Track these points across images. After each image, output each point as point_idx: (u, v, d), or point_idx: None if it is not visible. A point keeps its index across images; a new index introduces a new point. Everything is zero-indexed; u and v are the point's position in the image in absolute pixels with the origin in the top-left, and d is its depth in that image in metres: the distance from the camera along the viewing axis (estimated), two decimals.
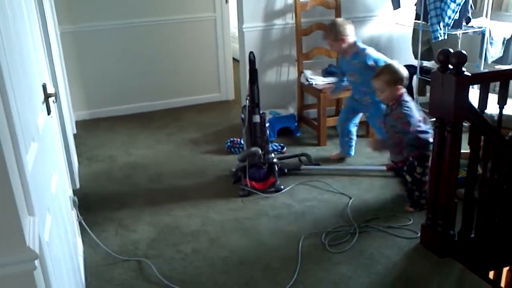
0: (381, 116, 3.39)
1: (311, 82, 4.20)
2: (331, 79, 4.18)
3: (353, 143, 3.92)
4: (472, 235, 2.67)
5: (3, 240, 1.10)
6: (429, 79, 2.63)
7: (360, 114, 3.88)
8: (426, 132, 2.98)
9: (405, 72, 3.04)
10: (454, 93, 2.33)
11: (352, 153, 3.93)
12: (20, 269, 1.13)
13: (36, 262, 1.15)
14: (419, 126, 2.97)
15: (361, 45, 3.62)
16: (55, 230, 1.63)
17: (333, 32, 3.57)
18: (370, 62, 3.53)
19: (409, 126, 2.94)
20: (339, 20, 3.73)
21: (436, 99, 2.47)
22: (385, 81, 3.01)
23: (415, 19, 4.45)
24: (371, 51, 3.59)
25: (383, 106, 3.44)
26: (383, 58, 3.57)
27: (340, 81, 3.94)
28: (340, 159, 3.91)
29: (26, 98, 1.49)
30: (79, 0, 4.73)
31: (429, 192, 2.68)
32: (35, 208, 1.27)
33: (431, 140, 2.83)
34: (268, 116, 4.04)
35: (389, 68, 3.08)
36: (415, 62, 4.51)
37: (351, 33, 3.58)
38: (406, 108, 2.96)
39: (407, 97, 3.03)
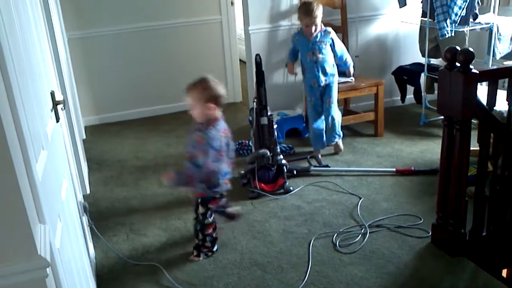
0: (331, 96, 3.80)
1: None
2: (339, 79, 4.17)
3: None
4: (484, 234, 2.65)
5: (14, 248, 1.11)
6: (437, 77, 2.62)
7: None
8: (219, 174, 2.59)
9: (221, 90, 2.58)
10: (462, 91, 2.32)
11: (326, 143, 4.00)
12: (32, 277, 1.13)
13: (48, 269, 1.16)
14: (213, 165, 2.53)
15: (323, 27, 3.79)
16: (66, 237, 1.64)
17: (312, 13, 3.65)
18: (336, 46, 3.82)
19: (204, 157, 2.49)
20: (312, 1, 3.76)
21: (444, 97, 2.46)
22: (197, 97, 2.54)
23: (422, 17, 4.43)
24: (334, 36, 3.82)
25: (334, 87, 3.82)
26: (345, 52, 3.91)
27: (292, 54, 4.01)
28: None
29: (35, 106, 1.51)
30: (86, 6, 4.77)
31: (439, 190, 2.66)
32: (46, 215, 1.27)
33: (222, 187, 2.62)
34: (276, 118, 4.05)
35: (202, 83, 2.58)
36: (422, 60, 4.50)
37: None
38: (211, 136, 2.53)
39: (221, 126, 2.60)
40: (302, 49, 3.82)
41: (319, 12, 3.67)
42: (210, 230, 2.73)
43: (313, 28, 3.69)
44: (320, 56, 3.75)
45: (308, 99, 3.97)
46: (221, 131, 2.59)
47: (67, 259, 1.57)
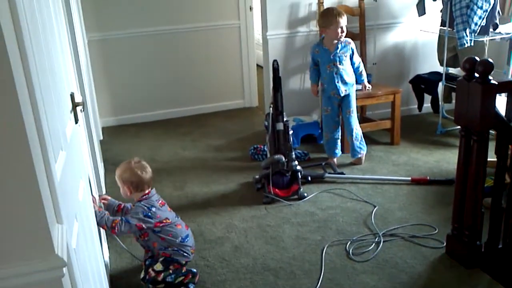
0: (351, 106, 3.82)
1: None
2: (356, 86, 4.17)
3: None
4: (500, 246, 2.62)
5: (33, 247, 1.13)
6: (455, 86, 2.60)
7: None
8: (176, 240, 2.52)
9: (140, 176, 2.51)
10: (480, 101, 2.30)
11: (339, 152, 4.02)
12: (49, 276, 1.15)
13: (64, 269, 1.17)
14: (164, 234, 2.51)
15: (344, 38, 3.75)
16: (82, 237, 1.66)
17: (336, 19, 3.62)
18: (354, 56, 3.83)
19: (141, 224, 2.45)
20: (338, 8, 3.73)
21: (461, 108, 2.44)
22: (117, 175, 2.60)
23: (441, 26, 4.41)
24: (354, 47, 3.83)
25: (353, 97, 3.85)
26: (361, 65, 3.92)
27: (314, 74, 3.93)
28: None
29: (55, 107, 1.53)
30: (106, 8, 4.83)
31: (454, 201, 2.64)
32: (63, 215, 1.29)
33: (187, 255, 2.54)
34: (291, 123, 4.05)
35: (125, 164, 2.59)
36: (440, 69, 4.47)
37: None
38: (143, 206, 2.48)
39: (153, 200, 2.52)
40: (323, 61, 3.79)
41: (345, 16, 3.68)
42: (161, 276, 2.50)
43: (340, 31, 3.65)
44: (341, 67, 3.74)
45: (324, 108, 3.95)
46: (158, 202, 2.53)
47: (83, 259, 1.59)
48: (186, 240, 2.57)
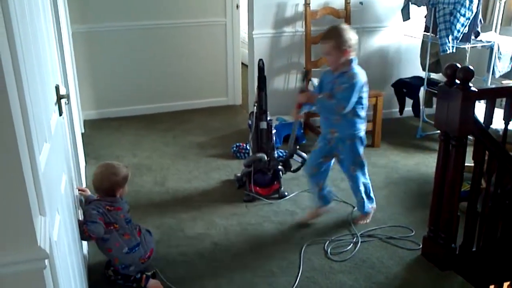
0: (353, 159, 2.96)
1: None
2: None
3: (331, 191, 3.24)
4: (474, 249, 2.68)
5: (16, 239, 1.13)
6: (436, 92, 2.65)
7: (332, 161, 3.09)
8: (120, 252, 2.51)
9: (100, 181, 2.56)
10: (460, 107, 2.36)
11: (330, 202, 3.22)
12: (31, 267, 1.15)
13: (46, 261, 1.18)
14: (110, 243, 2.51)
15: (355, 68, 2.82)
16: (63, 230, 1.66)
17: (338, 39, 2.74)
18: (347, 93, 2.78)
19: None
20: (347, 27, 2.87)
21: (442, 113, 2.49)
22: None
23: (424, 31, 4.48)
24: (359, 81, 2.79)
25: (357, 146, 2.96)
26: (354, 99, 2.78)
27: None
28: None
29: (41, 99, 1.53)
30: (92, 1, 4.78)
31: (431, 204, 2.70)
32: (46, 208, 1.29)
33: (135, 266, 2.54)
34: (275, 123, 4.07)
35: (99, 166, 2.66)
36: (422, 74, 4.54)
37: (355, 48, 2.81)
38: (91, 207, 2.47)
39: (98, 205, 2.49)
40: (323, 86, 3.00)
41: (339, 40, 2.78)
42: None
43: (331, 58, 2.85)
44: (330, 100, 2.84)
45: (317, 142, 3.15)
46: (106, 206, 2.51)
47: (63, 251, 1.59)
48: (135, 250, 2.52)
